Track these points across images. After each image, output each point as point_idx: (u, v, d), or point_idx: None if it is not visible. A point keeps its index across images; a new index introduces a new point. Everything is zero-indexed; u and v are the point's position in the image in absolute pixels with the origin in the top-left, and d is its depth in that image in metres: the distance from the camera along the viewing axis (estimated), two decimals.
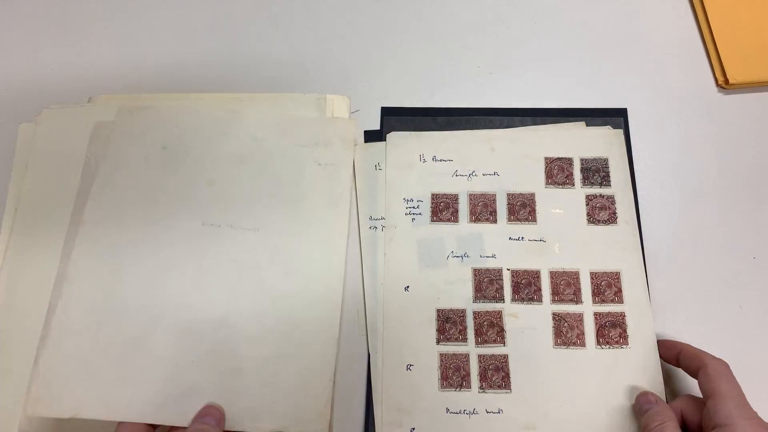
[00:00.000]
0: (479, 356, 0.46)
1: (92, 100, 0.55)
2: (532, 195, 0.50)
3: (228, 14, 0.60)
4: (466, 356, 0.46)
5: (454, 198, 0.51)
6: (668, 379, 0.46)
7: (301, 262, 0.48)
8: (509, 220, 0.50)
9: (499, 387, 0.45)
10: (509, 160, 0.52)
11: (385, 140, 0.53)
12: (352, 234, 0.50)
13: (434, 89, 0.56)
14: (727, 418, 0.37)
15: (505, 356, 0.46)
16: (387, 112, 0.55)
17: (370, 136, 0.54)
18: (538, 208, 0.50)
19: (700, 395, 0.41)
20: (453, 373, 0.46)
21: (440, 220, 0.50)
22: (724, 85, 0.55)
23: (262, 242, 0.49)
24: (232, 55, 0.58)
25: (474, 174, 0.51)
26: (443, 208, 0.50)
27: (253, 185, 0.50)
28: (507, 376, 0.46)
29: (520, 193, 0.51)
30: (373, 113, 0.55)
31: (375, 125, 0.54)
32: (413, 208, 0.50)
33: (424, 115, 0.54)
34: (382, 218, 0.50)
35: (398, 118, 0.54)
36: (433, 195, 0.51)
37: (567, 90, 0.56)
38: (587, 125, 0.53)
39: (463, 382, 0.45)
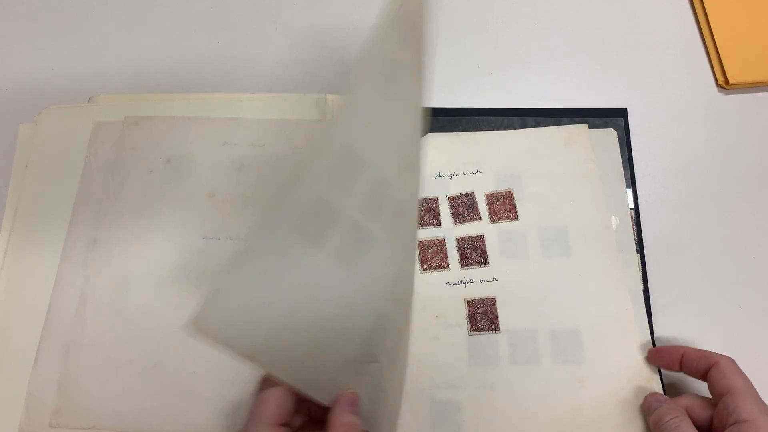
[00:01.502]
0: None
1: (92, 100, 0.55)
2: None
3: (228, 14, 0.60)
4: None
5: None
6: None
7: None
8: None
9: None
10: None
11: None
12: None
13: (434, 89, 0.56)
14: (749, 414, 0.37)
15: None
16: None
17: None
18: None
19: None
20: None
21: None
22: (724, 85, 0.55)
23: None
24: (232, 55, 0.58)
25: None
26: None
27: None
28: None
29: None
30: None
31: None
32: None
33: None
34: None
35: None
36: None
37: (567, 90, 0.56)
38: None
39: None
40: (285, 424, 0.34)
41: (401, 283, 0.39)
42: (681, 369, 0.43)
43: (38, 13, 0.60)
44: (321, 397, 0.36)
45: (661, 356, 0.45)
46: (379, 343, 0.38)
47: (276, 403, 0.34)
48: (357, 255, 0.36)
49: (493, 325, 0.47)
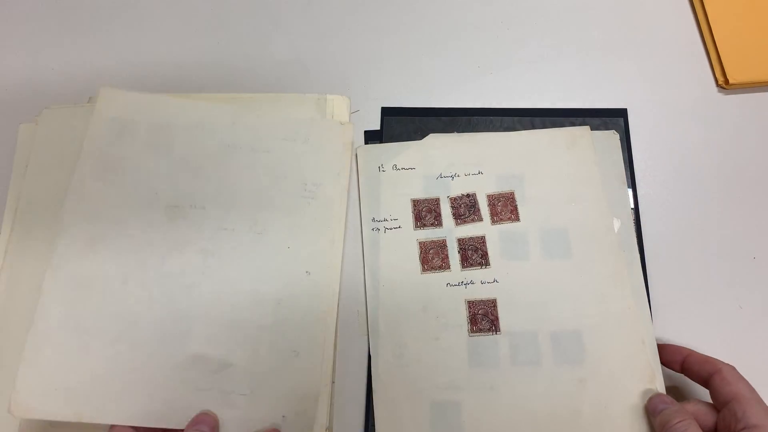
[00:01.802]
0: None
1: (92, 100, 0.55)
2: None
3: (228, 14, 0.60)
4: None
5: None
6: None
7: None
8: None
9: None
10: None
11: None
12: (356, 235, 0.51)
13: (434, 89, 0.56)
14: (758, 419, 0.37)
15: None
16: (387, 112, 0.55)
17: (371, 137, 0.54)
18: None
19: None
20: None
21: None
22: (724, 85, 0.55)
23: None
24: (232, 55, 0.58)
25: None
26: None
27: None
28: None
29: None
30: (373, 113, 0.55)
31: (375, 125, 0.54)
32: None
33: (424, 115, 0.54)
34: (385, 220, 0.50)
35: (398, 118, 0.54)
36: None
37: (567, 90, 0.56)
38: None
39: None
40: None
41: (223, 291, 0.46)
42: (681, 370, 0.43)
43: (38, 13, 0.60)
44: (175, 424, 0.42)
45: (665, 353, 0.45)
46: (222, 350, 0.44)
47: None
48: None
49: (493, 326, 0.47)
